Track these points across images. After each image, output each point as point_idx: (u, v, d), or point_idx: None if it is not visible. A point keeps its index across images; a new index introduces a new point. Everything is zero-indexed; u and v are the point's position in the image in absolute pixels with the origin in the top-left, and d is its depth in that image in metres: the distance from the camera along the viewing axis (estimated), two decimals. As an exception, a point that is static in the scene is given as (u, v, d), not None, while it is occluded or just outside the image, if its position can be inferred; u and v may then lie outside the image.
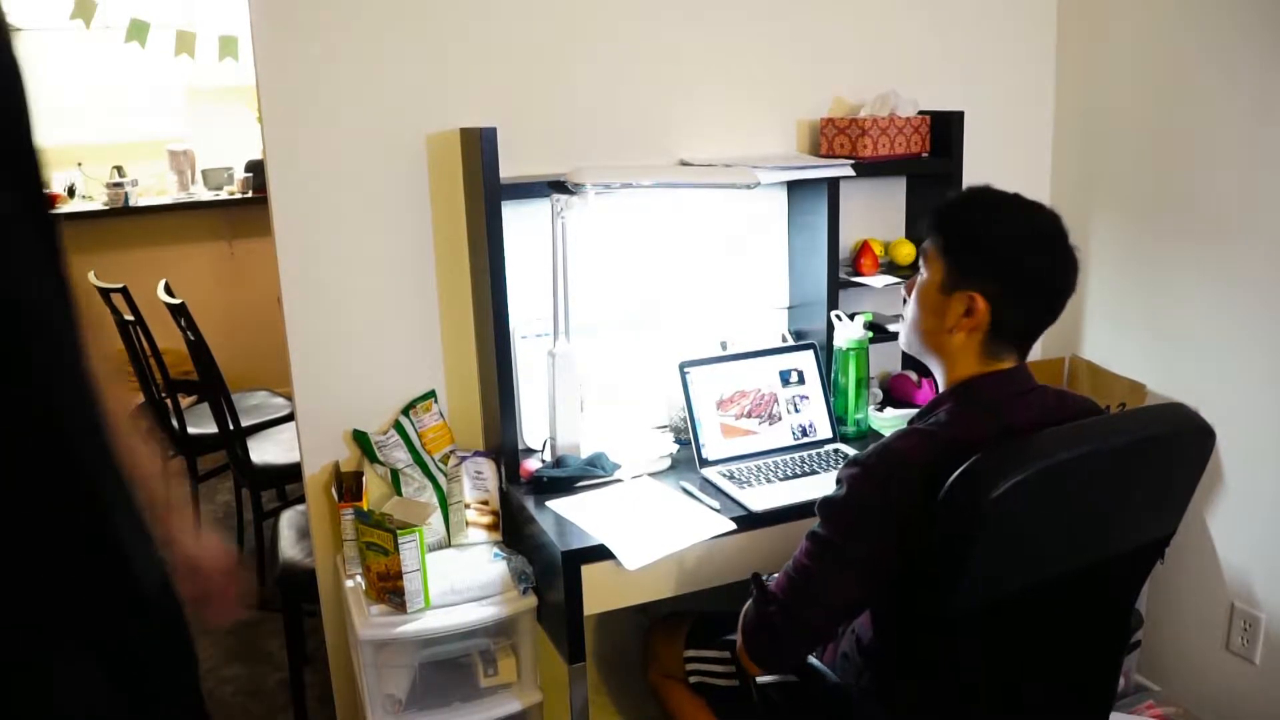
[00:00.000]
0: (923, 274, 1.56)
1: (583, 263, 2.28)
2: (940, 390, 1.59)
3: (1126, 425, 1.53)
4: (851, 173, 2.35)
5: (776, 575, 1.60)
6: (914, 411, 2.49)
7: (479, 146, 2.02)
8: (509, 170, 2.12)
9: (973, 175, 2.50)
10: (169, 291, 3.47)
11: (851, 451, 2.26)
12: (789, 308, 2.59)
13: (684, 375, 2.24)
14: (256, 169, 5.31)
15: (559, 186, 2.09)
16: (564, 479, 2.11)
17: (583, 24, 2.28)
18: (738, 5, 2.43)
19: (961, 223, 1.53)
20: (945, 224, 1.54)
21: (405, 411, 2.26)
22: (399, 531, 1.89)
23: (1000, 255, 1.49)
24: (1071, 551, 1.45)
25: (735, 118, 2.48)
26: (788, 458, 2.24)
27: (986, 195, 1.55)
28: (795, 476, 2.14)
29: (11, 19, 0.86)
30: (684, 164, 2.39)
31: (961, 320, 1.50)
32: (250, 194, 5.33)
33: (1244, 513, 2.42)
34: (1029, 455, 1.32)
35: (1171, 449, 1.49)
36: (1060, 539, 1.42)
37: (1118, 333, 2.66)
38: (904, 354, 2.72)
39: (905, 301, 1.63)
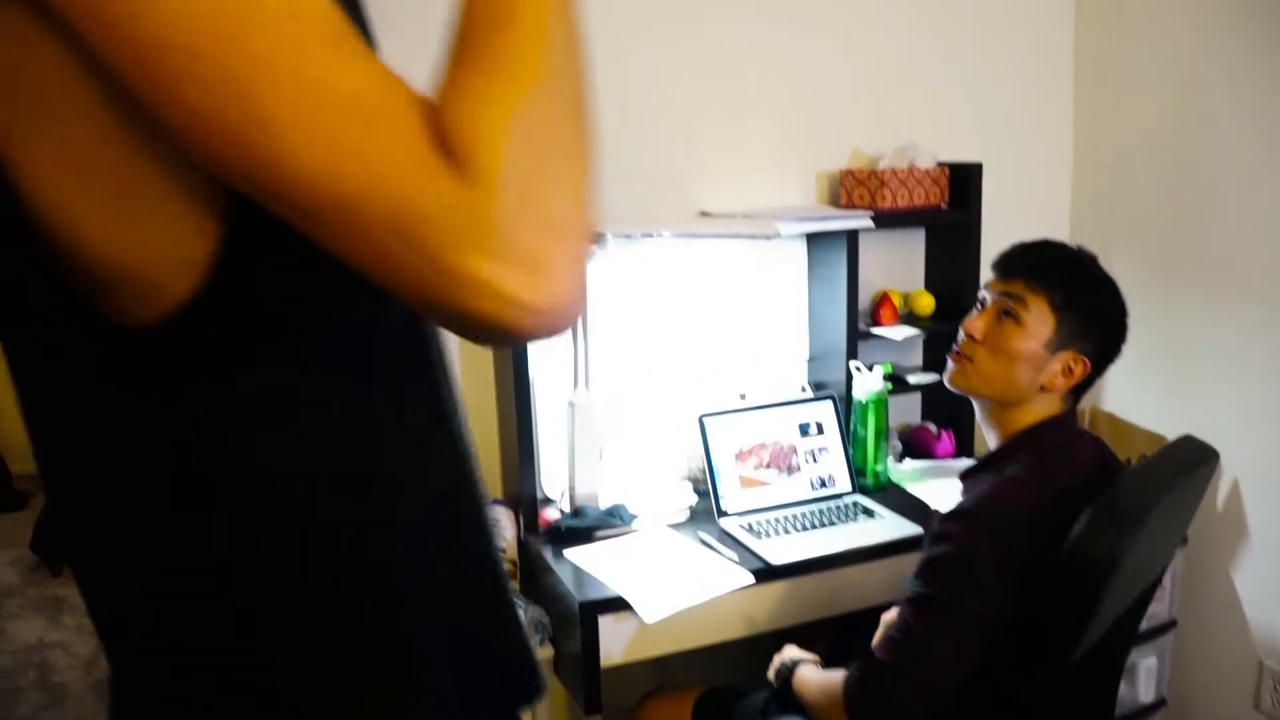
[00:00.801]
0: (1020, 323, 1.56)
1: (603, 312, 2.29)
2: (1000, 436, 1.61)
3: (1172, 463, 1.57)
4: (871, 225, 2.36)
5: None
6: (934, 463, 2.50)
7: (501, 198, 2.04)
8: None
9: (992, 227, 2.51)
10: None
11: (870, 503, 2.24)
12: (808, 359, 2.59)
13: (703, 426, 2.23)
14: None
15: (579, 237, 2.10)
16: (582, 529, 2.11)
17: (603, 74, 2.30)
18: (758, 58, 2.46)
19: (1078, 285, 1.57)
20: (1058, 282, 1.56)
21: (424, 460, 2.26)
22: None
23: (1113, 324, 1.57)
24: (1136, 587, 1.49)
25: (755, 169, 2.50)
26: (806, 509, 2.22)
27: (1085, 257, 1.60)
28: (814, 528, 2.13)
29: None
30: (704, 215, 2.40)
31: (1058, 377, 1.55)
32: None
33: (1271, 568, 2.39)
34: (1143, 500, 1.38)
35: (1196, 478, 1.57)
36: (1137, 577, 1.47)
37: (1138, 384, 2.65)
38: (924, 405, 2.72)
39: (966, 338, 1.61)
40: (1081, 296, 1.56)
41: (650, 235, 2.12)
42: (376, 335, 0.72)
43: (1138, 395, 2.66)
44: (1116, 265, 2.64)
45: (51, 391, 0.69)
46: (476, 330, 0.56)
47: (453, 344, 2.28)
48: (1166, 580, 2.39)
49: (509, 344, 0.53)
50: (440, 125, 0.55)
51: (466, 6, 0.60)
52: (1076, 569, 1.34)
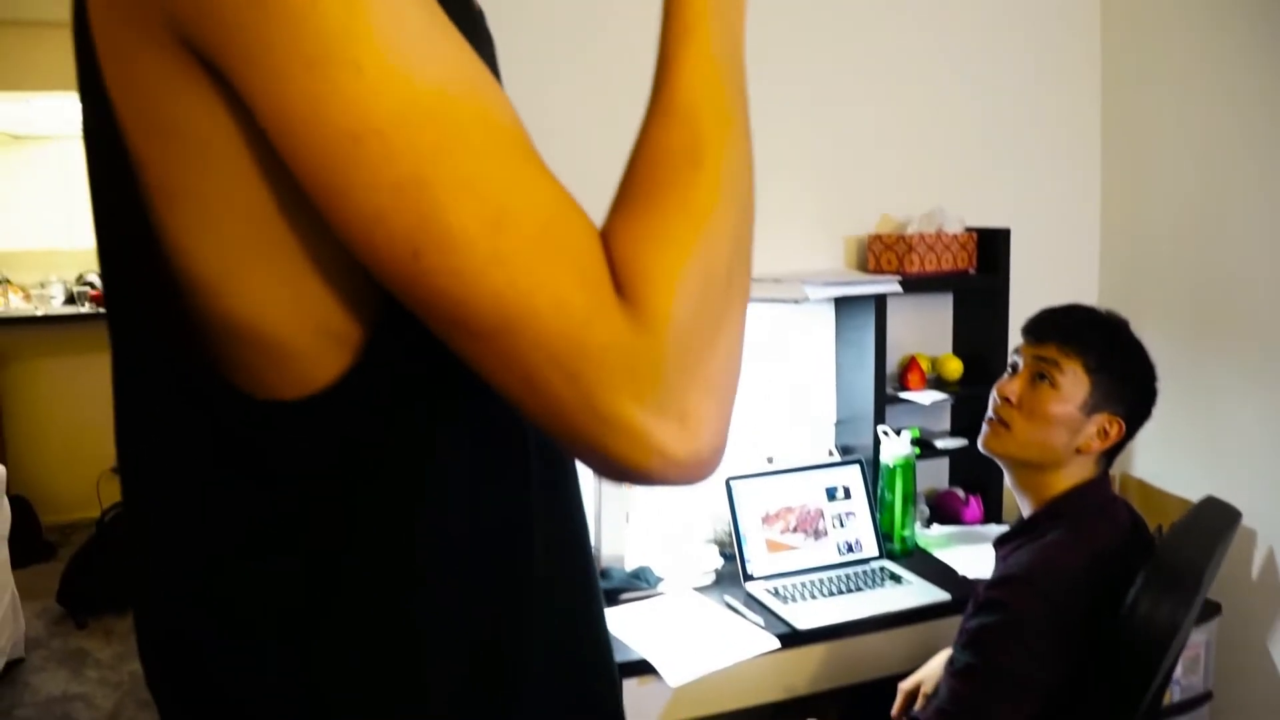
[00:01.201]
0: (1055, 386, 1.56)
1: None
2: (1034, 503, 1.61)
3: (1208, 527, 1.58)
4: (899, 289, 2.37)
5: None
6: (962, 529, 2.48)
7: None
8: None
9: (1020, 292, 2.51)
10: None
11: (898, 569, 2.23)
12: (836, 423, 2.58)
13: (730, 489, 2.23)
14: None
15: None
16: (608, 591, 2.10)
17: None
18: (786, 123, 2.49)
19: (1110, 347, 1.58)
20: (1092, 345, 1.57)
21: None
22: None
23: (1145, 385, 1.59)
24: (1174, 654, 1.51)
25: (783, 233, 2.52)
26: (833, 574, 2.21)
27: (1116, 320, 1.62)
28: (841, 594, 2.12)
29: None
30: (732, 278, 2.42)
31: (1094, 440, 1.56)
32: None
33: (1306, 641, 2.35)
34: (1195, 566, 1.40)
35: (1227, 541, 1.59)
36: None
37: (1168, 449, 2.63)
38: (952, 470, 2.71)
39: (1002, 402, 1.61)
40: (1115, 358, 1.57)
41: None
42: (511, 426, 0.70)
43: (1169, 461, 2.64)
44: (1145, 330, 2.62)
45: (165, 449, 0.68)
46: (610, 469, 0.54)
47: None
48: (1201, 650, 2.35)
49: (639, 484, 0.51)
50: (613, 261, 0.54)
51: (650, 139, 0.59)
52: (1138, 638, 1.34)
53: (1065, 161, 2.80)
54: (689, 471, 0.54)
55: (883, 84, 2.60)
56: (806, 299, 2.21)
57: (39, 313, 4.91)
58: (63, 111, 5.12)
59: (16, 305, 5.01)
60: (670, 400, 0.52)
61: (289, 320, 0.60)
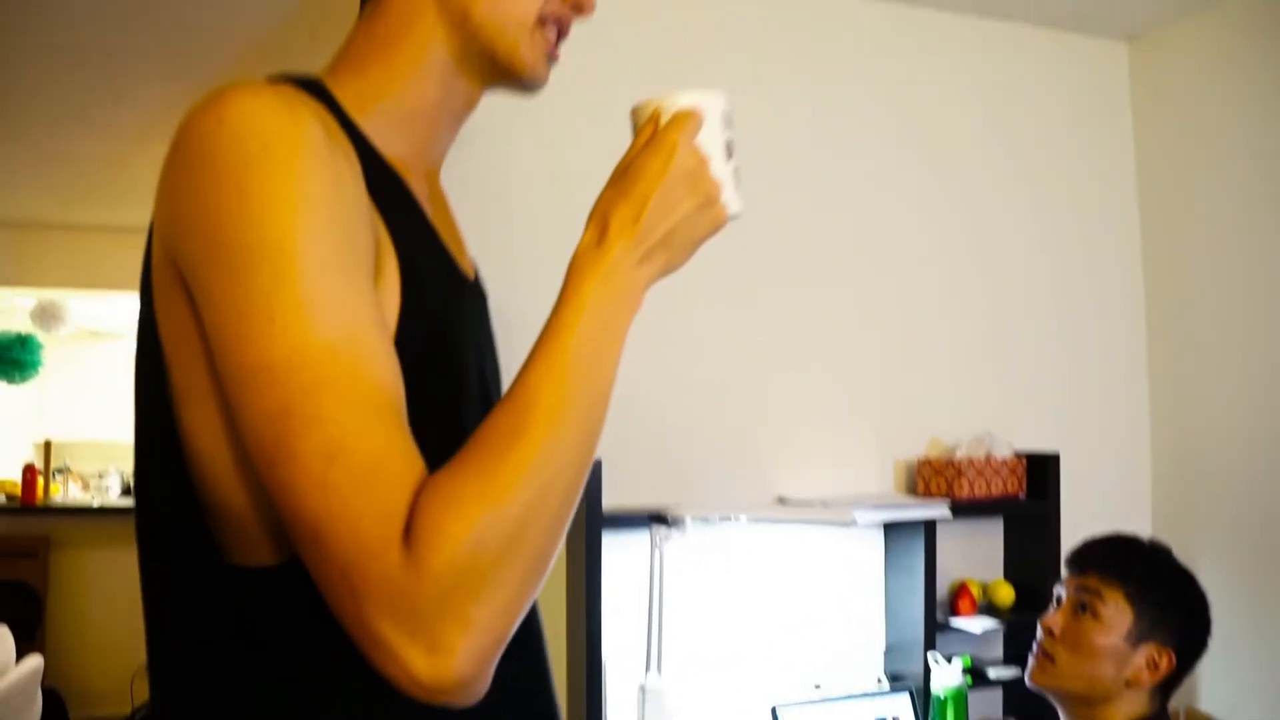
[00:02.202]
0: (1098, 618, 1.54)
1: (678, 595, 2.28)
2: None
3: None
4: (948, 515, 2.36)
5: None
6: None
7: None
8: (609, 500, 2.17)
9: (1071, 517, 2.49)
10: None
11: (952, 809, 2.14)
12: (885, 649, 2.53)
13: (776, 717, 2.18)
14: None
15: (659, 518, 2.13)
16: (649, 823, 2.03)
17: (687, 363, 2.40)
18: (836, 349, 2.55)
19: (1152, 575, 1.56)
20: (1132, 573, 1.55)
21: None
22: None
23: (1194, 614, 1.55)
24: None
25: (833, 456, 2.54)
26: (884, 813, 2.12)
27: (1158, 548, 1.60)
28: (893, 835, 2.03)
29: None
30: (782, 500, 2.43)
31: (1144, 672, 1.52)
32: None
33: None
34: None
35: None
36: None
37: (1236, 682, 2.53)
38: (1005, 701, 2.62)
39: (1045, 635, 1.59)
40: (1157, 586, 1.55)
41: (727, 519, 2.15)
42: None
43: (1237, 696, 2.54)
44: (1204, 556, 2.60)
45: (177, 615, 0.79)
46: (380, 672, 0.64)
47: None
48: None
49: (403, 693, 0.66)
50: (414, 509, 0.65)
51: (490, 415, 0.70)
52: None
53: (1113, 385, 2.83)
54: (432, 693, 0.64)
55: (932, 312, 2.67)
56: (855, 523, 2.20)
57: (95, 503, 5.00)
58: (137, 310, 5.36)
59: (75, 495, 5.11)
60: (422, 631, 0.63)
61: (271, 508, 0.70)
